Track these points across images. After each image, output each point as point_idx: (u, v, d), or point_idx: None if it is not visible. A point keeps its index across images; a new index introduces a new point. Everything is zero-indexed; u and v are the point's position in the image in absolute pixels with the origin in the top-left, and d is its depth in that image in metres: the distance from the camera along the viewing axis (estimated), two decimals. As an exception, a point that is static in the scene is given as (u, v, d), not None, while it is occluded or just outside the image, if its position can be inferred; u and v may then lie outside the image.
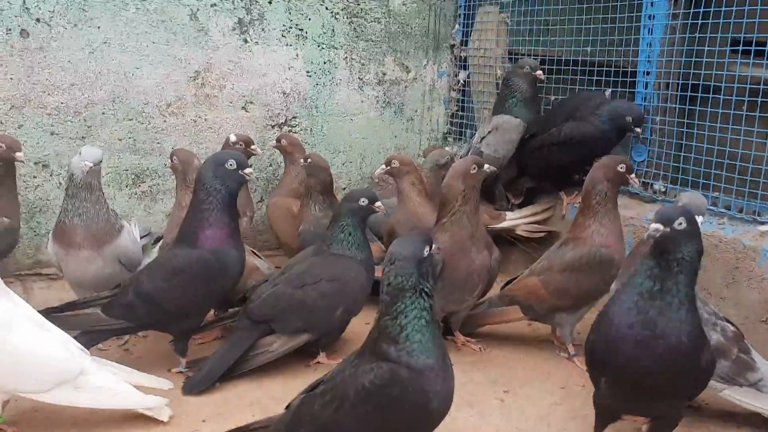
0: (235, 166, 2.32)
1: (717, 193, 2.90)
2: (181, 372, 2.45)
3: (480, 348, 2.77)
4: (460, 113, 4.35)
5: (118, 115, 3.32)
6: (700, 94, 2.98)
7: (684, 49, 3.04)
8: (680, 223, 1.70)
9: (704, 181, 2.92)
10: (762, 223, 2.70)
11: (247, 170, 2.35)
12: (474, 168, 2.61)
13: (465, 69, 4.25)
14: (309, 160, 3.08)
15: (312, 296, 2.48)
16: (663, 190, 3.11)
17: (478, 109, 4.21)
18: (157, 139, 3.39)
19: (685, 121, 3.02)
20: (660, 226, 1.70)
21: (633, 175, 2.58)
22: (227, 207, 2.32)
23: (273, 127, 3.70)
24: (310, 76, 3.78)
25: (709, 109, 2.92)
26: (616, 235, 2.55)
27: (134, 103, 3.34)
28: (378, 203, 2.62)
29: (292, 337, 2.49)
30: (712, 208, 2.88)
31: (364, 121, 4.05)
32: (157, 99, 3.36)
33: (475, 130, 4.20)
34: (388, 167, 2.92)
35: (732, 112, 2.78)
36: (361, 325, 2.69)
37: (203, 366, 2.37)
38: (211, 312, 2.73)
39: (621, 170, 2.53)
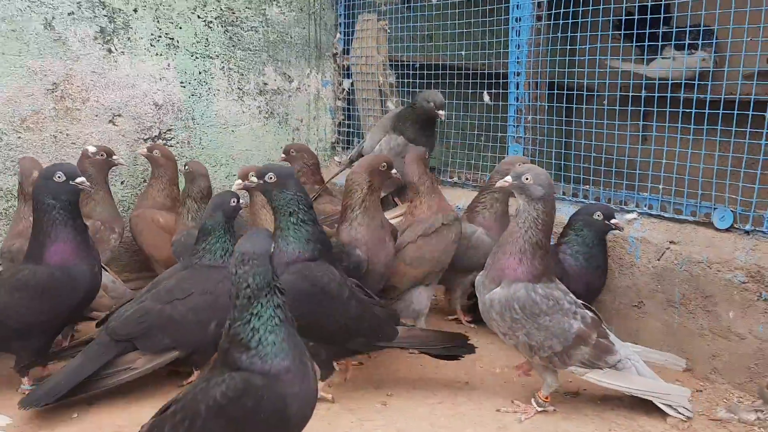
0: (64, 178, 2.20)
1: (587, 186, 2.99)
2: (24, 392, 2.25)
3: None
4: (347, 122, 4.31)
5: (-34, 132, 3.05)
6: (565, 91, 3.08)
7: (549, 49, 3.15)
8: (270, 177, 2.21)
9: (575, 175, 3.02)
10: (628, 212, 2.80)
11: (78, 179, 2.23)
12: (384, 166, 2.60)
13: (349, 77, 4.23)
14: (187, 167, 2.95)
15: (181, 311, 2.32)
16: (539, 186, 3.17)
17: (364, 116, 4.19)
18: (11, 157, 3.11)
19: (554, 118, 3.11)
20: (255, 179, 2.25)
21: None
22: (68, 220, 2.21)
23: (146, 140, 3.51)
24: (184, 87, 3.63)
25: (574, 106, 3.02)
26: (443, 205, 2.81)
27: (-16, 119, 3.07)
28: (243, 201, 2.57)
29: (158, 354, 2.32)
30: (583, 200, 2.98)
31: (247, 133, 3.93)
32: (10, 114, 3.10)
33: (362, 138, 4.21)
34: (261, 181, 2.78)
35: (595, 106, 2.90)
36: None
37: (48, 380, 2.16)
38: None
39: (426, 156, 2.88)
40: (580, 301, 2.19)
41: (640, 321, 2.71)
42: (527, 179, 2.08)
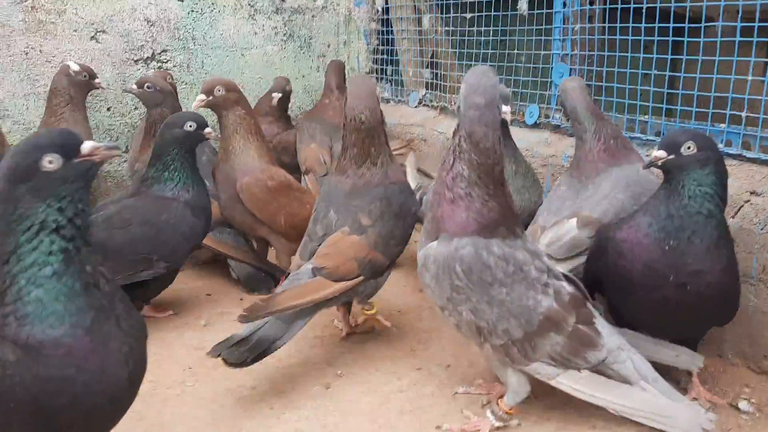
0: None
1: (646, 116, 2.24)
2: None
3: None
4: (381, 47, 3.70)
5: (-77, 46, 2.77)
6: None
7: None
8: None
9: (630, 102, 2.27)
10: (697, 150, 2.03)
11: None
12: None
13: (383, -7, 3.61)
14: (147, 85, 2.50)
15: (118, 243, 2.02)
16: (586, 117, 2.44)
17: (399, 39, 3.56)
18: (-25, 75, 2.82)
19: (607, 25, 2.35)
20: None
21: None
22: None
23: (136, 62, 3.11)
24: (182, 1, 3.17)
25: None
26: None
27: (-57, 31, 2.78)
28: (208, 129, 2.17)
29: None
30: (640, 136, 2.24)
31: (260, 57, 3.44)
32: (-28, 25, 2.79)
33: (398, 66, 3.60)
34: (210, 97, 2.29)
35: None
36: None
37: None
38: None
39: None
40: (560, 270, 1.54)
41: (702, 300, 1.98)
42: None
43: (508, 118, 2.00)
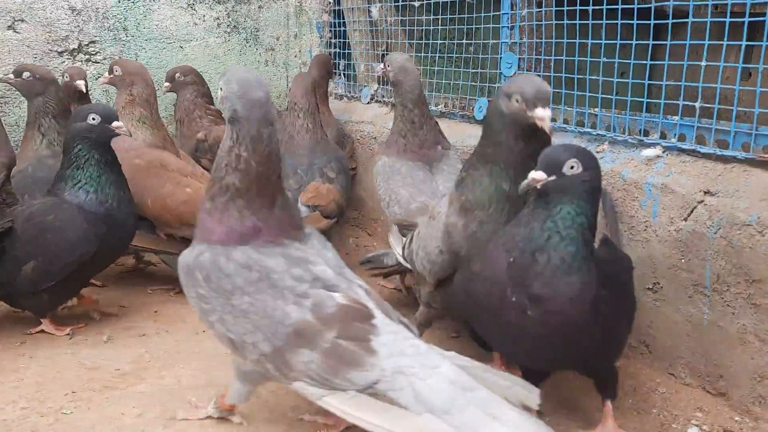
0: None
1: (596, 109, 2.04)
2: None
3: None
4: (334, 41, 3.50)
5: None
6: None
7: None
8: None
9: (579, 93, 2.07)
10: (648, 146, 1.84)
11: None
12: None
13: (334, -18, 3.40)
14: (26, 74, 2.26)
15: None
16: (535, 111, 2.25)
17: (350, 31, 3.36)
18: None
19: (554, 9, 2.15)
20: None
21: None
22: None
23: (61, 53, 2.88)
24: (112, -12, 2.96)
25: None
26: None
27: None
28: (117, 122, 1.95)
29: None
30: (590, 131, 2.04)
31: (201, 50, 3.22)
32: None
33: (352, 61, 3.39)
34: (111, 75, 2.16)
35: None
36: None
37: None
38: None
39: None
40: (359, 282, 1.42)
41: (654, 312, 1.79)
42: (221, 90, 1.36)
43: (546, 126, 1.39)
